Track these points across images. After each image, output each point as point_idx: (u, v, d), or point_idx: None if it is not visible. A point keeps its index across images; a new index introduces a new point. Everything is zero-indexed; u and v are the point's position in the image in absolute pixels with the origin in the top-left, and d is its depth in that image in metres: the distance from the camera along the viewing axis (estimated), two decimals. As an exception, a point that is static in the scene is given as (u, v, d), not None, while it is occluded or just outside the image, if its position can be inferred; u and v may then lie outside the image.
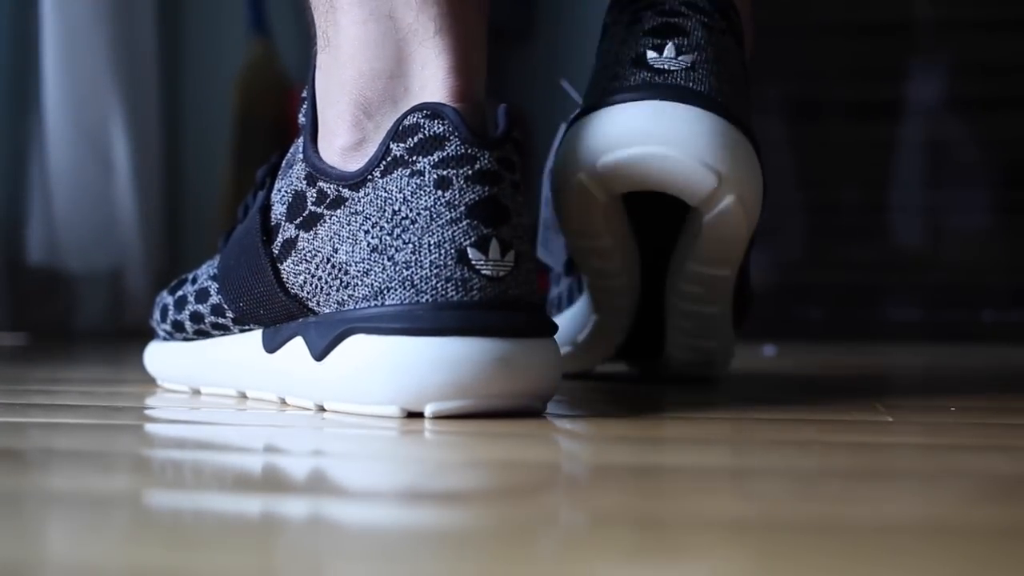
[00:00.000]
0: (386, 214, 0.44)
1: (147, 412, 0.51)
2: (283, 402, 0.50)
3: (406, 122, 0.44)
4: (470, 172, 0.44)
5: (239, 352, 0.52)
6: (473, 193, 0.44)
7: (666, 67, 0.51)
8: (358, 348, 0.45)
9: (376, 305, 0.44)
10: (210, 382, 0.55)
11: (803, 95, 1.52)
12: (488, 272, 0.44)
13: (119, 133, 1.27)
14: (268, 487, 0.33)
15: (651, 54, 0.51)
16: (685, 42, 0.51)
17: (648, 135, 0.49)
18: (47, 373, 0.72)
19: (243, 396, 0.53)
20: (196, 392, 0.56)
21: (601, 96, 0.51)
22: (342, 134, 0.47)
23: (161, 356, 0.58)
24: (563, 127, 0.56)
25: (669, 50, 0.51)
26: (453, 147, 0.44)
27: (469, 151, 0.44)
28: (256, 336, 0.51)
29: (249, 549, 0.25)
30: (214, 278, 0.53)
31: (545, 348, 0.45)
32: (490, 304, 0.44)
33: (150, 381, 0.60)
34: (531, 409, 0.46)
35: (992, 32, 1.47)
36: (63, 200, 1.21)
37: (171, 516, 0.29)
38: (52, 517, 0.29)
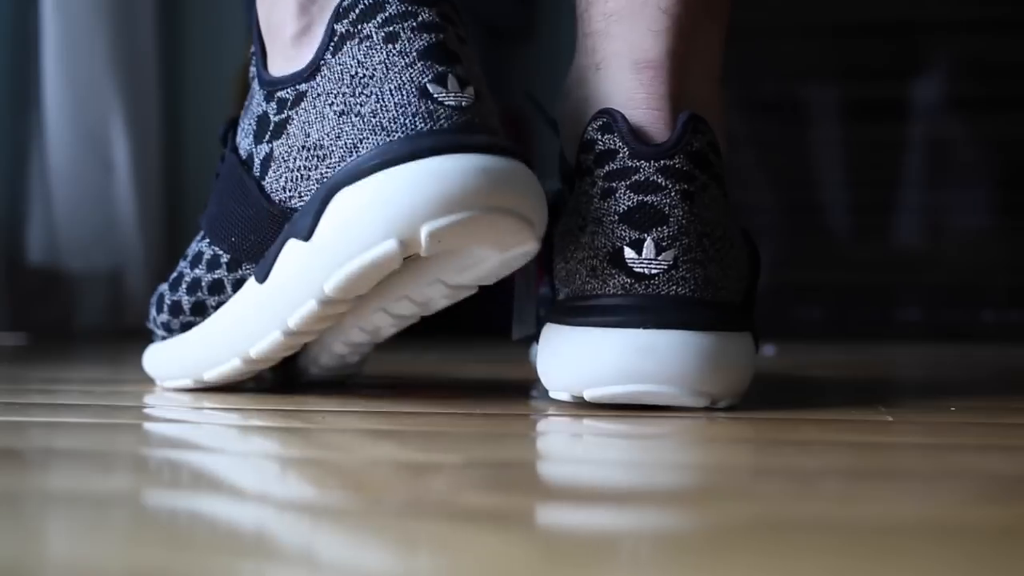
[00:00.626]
0: (344, 81, 0.47)
1: (147, 412, 0.51)
2: (288, 336, 0.49)
3: (345, 2, 0.47)
4: (415, 24, 0.47)
5: (236, 308, 0.52)
6: (420, 40, 0.46)
7: (646, 270, 0.47)
8: (342, 202, 0.45)
9: (352, 159, 0.46)
10: (212, 362, 0.54)
11: (804, 95, 1.52)
12: (451, 103, 0.46)
13: (119, 133, 1.27)
14: (268, 487, 0.33)
15: (629, 253, 0.47)
16: (665, 233, 0.47)
17: (634, 374, 0.46)
18: (47, 373, 0.72)
19: (249, 360, 0.52)
20: (200, 383, 0.55)
21: (580, 300, 0.48)
22: (290, 24, 0.50)
23: (160, 355, 0.58)
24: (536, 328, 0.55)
25: (648, 248, 0.47)
26: (394, 7, 0.47)
27: (410, 8, 0.47)
28: (250, 283, 0.51)
29: (249, 549, 0.25)
30: (202, 238, 0.54)
31: (525, 169, 0.46)
32: (460, 129, 0.45)
33: (150, 381, 0.60)
34: (523, 221, 0.46)
35: (992, 32, 1.47)
36: (63, 200, 1.21)
37: (170, 516, 0.29)
38: (52, 517, 0.29)
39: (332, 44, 0.47)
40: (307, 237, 0.46)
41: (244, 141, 0.51)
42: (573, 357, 0.48)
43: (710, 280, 0.47)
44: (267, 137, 0.49)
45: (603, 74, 0.51)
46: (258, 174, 0.50)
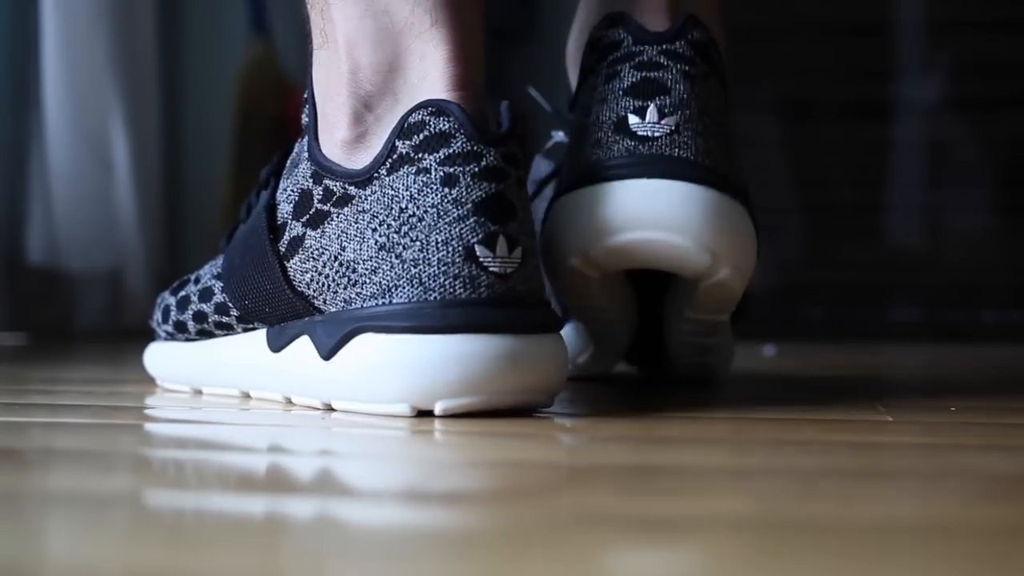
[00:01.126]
0: (393, 212, 0.44)
1: (147, 412, 0.51)
2: (288, 401, 0.50)
3: (411, 119, 0.44)
4: (476, 169, 0.44)
5: (243, 351, 0.52)
6: (480, 190, 0.44)
7: (649, 133, 0.49)
8: (367, 347, 0.45)
9: (384, 303, 0.44)
10: (213, 382, 0.55)
11: (804, 95, 1.52)
12: (496, 269, 0.44)
13: (119, 133, 1.27)
14: (270, 487, 0.33)
15: (633, 119, 0.49)
16: (667, 101, 0.49)
17: (639, 220, 0.48)
18: (47, 373, 0.72)
19: (247, 396, 0.53)
20: (198, 392, 0.56)
21: (586, 169, 0.50)
22: (342, 128, 0.47)
23: (162, 357, 0.58)
24: (546, 196, 0.56)
25: (651, 113, 0.49)
26: (459, 144, 0.44)
27: (475, 148, 0.44)
28: (260, 335, 0.51)
29: (250, 549, 0.25)
30: (218, 277, 0.53)
31: (552, 344, 0.45)
32: (498, 301, 0.44)
33: (150, 381, 0.60)
34: (538, 404, 0.46)
35: (992, 32, 1.47)
36: (63, 200, 1.21)
37: (171, 516, 0.29)
38: (52, 517, 0.29)
39: (390, 161, 0.44)
40: (326, 357, 0.46)
41: (284, 205, 0.49)
42: (586, 214, 0.49)
43: (711, 151, 0.49)
44: (305, 219, 0.47)
45: None
46: (283, 250, 0.48)
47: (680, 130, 0.49)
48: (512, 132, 0.45)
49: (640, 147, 0.49)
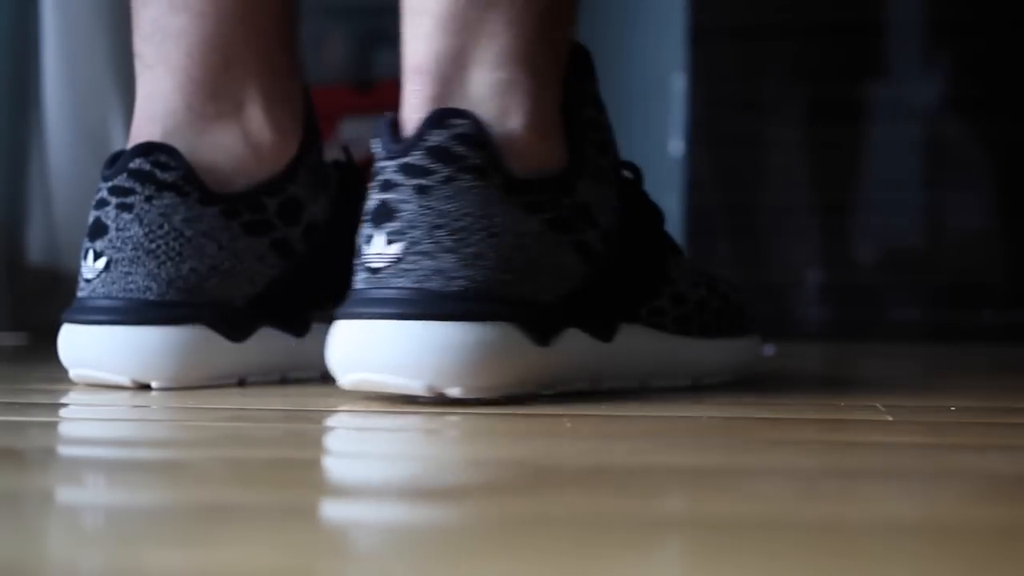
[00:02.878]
0: None
1: (147, 412, 0.51)
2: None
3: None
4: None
5: None
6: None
7: (376, 264, 0.49)
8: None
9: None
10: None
11: (804, 95, 1.52)
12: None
13: (119, 133, 1.27)
14: (271, 486, 0.33)
15: (364, 248, 0.50)
16: (396, 227, 0.49)
17: (359, 362, 0.49)
18: (47, 373, 0.72)
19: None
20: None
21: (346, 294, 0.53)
22: None
23: None
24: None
25: (377, 243, 0.50)
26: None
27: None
28: None
29: (250, 548, 0.25)
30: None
31: (107, 331, 0.57)
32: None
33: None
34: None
35: (992, 32, 1.47)
36: (63, 200, 1.21)
37: (172, 516, 0.29)
38: (52, 517, 0.29)
39: None
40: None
41: None
42: (328, 348, 0.52)
43: (441, 270, 0.48)
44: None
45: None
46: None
47: (405, 256, 0.49)
48: (116, 163, 0.58)
49: (371, 278, 0.50)
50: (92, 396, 0.56)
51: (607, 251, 0.54)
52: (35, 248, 1.19)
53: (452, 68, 0.51)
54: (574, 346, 0.53)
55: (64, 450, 0.41)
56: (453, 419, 0.46)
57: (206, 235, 0.57)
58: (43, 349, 0.95)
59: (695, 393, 0.57)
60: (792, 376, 0.77)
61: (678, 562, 0.25)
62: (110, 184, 0.57)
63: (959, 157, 1.48)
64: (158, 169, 0.57)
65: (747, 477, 0.35)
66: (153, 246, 0.57)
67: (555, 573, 0.23)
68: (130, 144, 0.59)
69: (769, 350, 1.02)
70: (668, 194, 1.63)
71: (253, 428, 0.46)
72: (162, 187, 0.57)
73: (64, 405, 0.53)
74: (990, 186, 1.48)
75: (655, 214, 0.59)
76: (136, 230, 0.56)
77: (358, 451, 0.41)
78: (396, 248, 0.49)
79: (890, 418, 0.48)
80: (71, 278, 1.21)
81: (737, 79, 1.53)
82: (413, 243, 0.48)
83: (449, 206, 0.49)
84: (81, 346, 0.57)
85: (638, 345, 0.56)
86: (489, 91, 0.51)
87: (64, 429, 0.47)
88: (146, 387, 0.57)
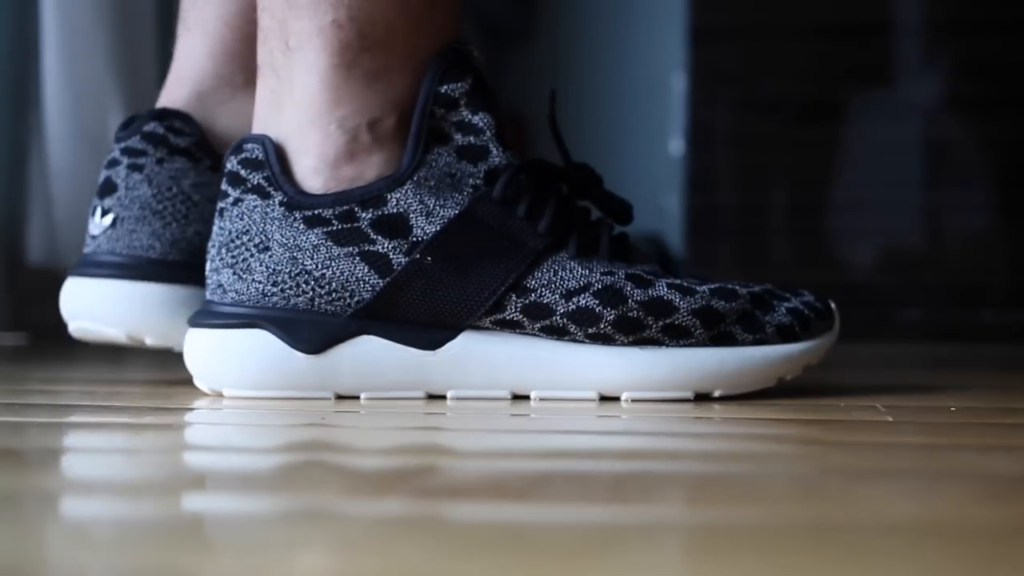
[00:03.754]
0: None
1: (147, 412, 0.51)
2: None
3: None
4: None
5: None
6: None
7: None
8: None
9: None
10: None
11: (803, 95, 1.52)
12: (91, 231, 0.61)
13: (119, 133, 1.27)
14: (270, 487, 0.33)
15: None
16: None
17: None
18: (47, 373, 0.72)
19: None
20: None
21: None
22: None
23: None
24: None
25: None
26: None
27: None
28: None
29: (250, 548, 0.25)
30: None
31: (91, 283, 0.62)
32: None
33: (150, 380, 0.60)
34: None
35: (992, 32, 1.48)
36: (63, 200, 1.21)
37: (171, 516, 0.29)
38: (52, 517, 0.29)
39: None
40: None
41: None
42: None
43: (222, 285, 0.54)
44: None
45: None
46: None
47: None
48: (131, 125, 0.61)
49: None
50: (89, 399, 0.56)
51: (417, 261, 0.52)
52: (35, 248, 1.19)
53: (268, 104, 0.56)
54: (364, 354, 0.53)
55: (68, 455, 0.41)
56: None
57: (214, 201, 0.59)
58: (43, 349, 0.95)
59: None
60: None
61: (678, 562, 0.25)
62: (123, 145, 0.60)
63: (959, 157, 1.48)
64: (172, 134, 0.60)
65: (747, 477, 0.35)
66: (160, 207, 0.59)
67: (556, 573, 0.23)
68: (157, 105, 0.62)
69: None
70: (668, 194, 1.64)
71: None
72: (174, 151, 0.60)
73: (64, 406, 0.53)
74: (990, 186, 1.48)
75: (580, 219, 0.55)
76: (144, 190, 0.59)
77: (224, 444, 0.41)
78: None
79: (890, 418, 0.48)
80: (71, 278, 1.22)
81: (737, 79, 1.53)
82: (210, 259, 0.54)
83: (237, 225, 0.53)
84: (81, 299, 0.60)
85: (485, 354, 0.54)
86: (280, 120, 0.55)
87: (64, 430, 0.47)
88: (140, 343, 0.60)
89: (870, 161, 1.49)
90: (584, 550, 0.25)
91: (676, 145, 1.58)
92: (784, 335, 0.56)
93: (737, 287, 0.56)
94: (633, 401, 0.53)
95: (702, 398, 0.54)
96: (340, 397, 0.54)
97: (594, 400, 0.54)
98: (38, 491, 0.32)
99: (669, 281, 0.55)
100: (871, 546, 0.25)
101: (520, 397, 0.54)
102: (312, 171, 0.53)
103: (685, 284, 0.55)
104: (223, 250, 0.53)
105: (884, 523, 0.28)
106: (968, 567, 0.24)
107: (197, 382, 0.54)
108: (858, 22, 1.51)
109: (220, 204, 0.54)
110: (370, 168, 0.53)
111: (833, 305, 0.60)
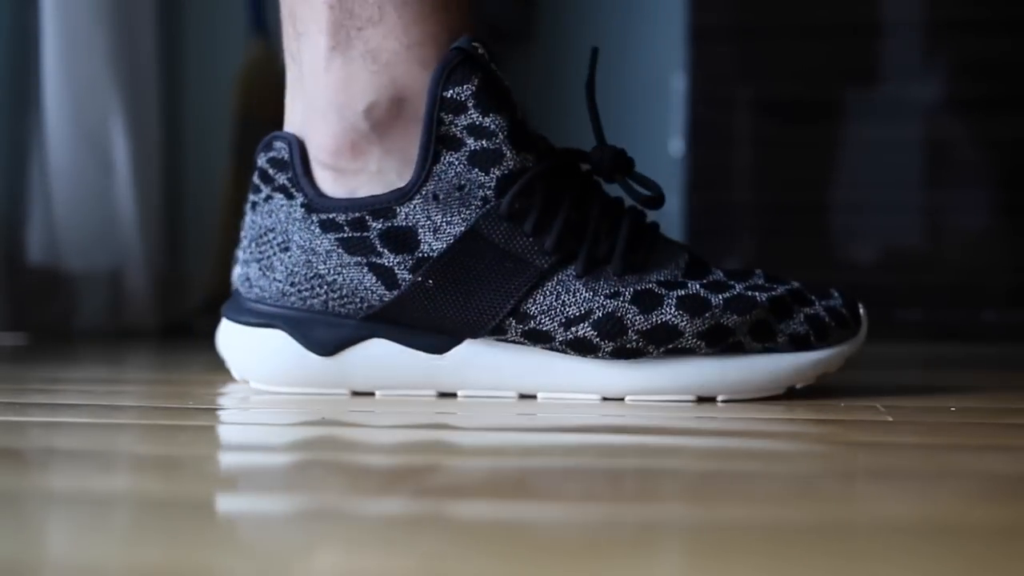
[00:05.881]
0: None
1: (147, 412, 0.51)
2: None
3: None
4: None
5: None
6: None
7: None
8: None
9: None
10: None
11: (804, 95, 1.52)
12: None
13: (119, 133, 1.27)
14: (269, 487, 0.33)
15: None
16: (242, 238, 0.60)
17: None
18: (47, 373, 0.72)
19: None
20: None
21: None
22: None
23: None
24: None
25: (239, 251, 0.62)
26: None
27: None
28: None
29: (249, 548, 0.25)
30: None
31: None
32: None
33: (150, 380, 0.60)
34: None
35: (992, 32, 1.47)
36: (63, 200, 1.21)
37: (171, 516, 0.29)
38: (52, 517, 0.29)
39: None
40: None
41: None
42: None
43: (249, 279, 0.56)
44: None
45: None
46: None
47: (240, 263, 0.58)
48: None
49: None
50: (88, 399, 0.56)
51: (420, 283, 0.52)
52: (35, 248, 1.19)
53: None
54: (375, 357, 0.55)
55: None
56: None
57: None
58: (43, 349, 0.95)
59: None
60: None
61: (678, 562, 0.25)
62: None
63: (959, 157, 1.48)
64: None
65: (747, 477, 0.35)
66: None
67: (555, 574, 0.23)
68: None
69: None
70: (668, 194, 1.64)
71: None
72: None
73: (64, 405, 0.54)
74: (990, 186, 1.48)
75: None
76: None
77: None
78: (238, 254, 0.58)
79: (890, 418, 0.48)
80: (71, 278, 1.22)
81: (737, 79, 1.53)
82: (243, 251, 0.57)
83: (267, 221, 0.55)
84: None
85: (490, 360, 0.54)
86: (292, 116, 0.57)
87: (64, 430, 0.47)
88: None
89: (870, 161, 1.49)
90: (586, 548, 0.25)
91: (676, 145, 1.58)
92: (797, 343, 0.54)
93: (758, 295, 0.54)
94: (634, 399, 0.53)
95: (705, 399, 0.54)
96: (356, 393, 0.56)
97: (597, 399, 0.54)
98: (38, 491, 0.32)
99: (684, 293, 0.53)
100: (871, 546, 0.25)
101: (527, 396, 0.55)
102: (321, 165, 0.54)
103: (702, 295, 0.53)
104: (253, 244, 0.56)
105: (884, 523, 0.28)
106: (968, 567, 0.24)
107: (230, 369, 0.59)
108: (858, 22, 1.51)
109: (253, 198, 0.56)
110: (372, 161, 0.53)
111: (863, 310, 0.59)
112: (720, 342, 0.53)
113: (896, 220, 1.50)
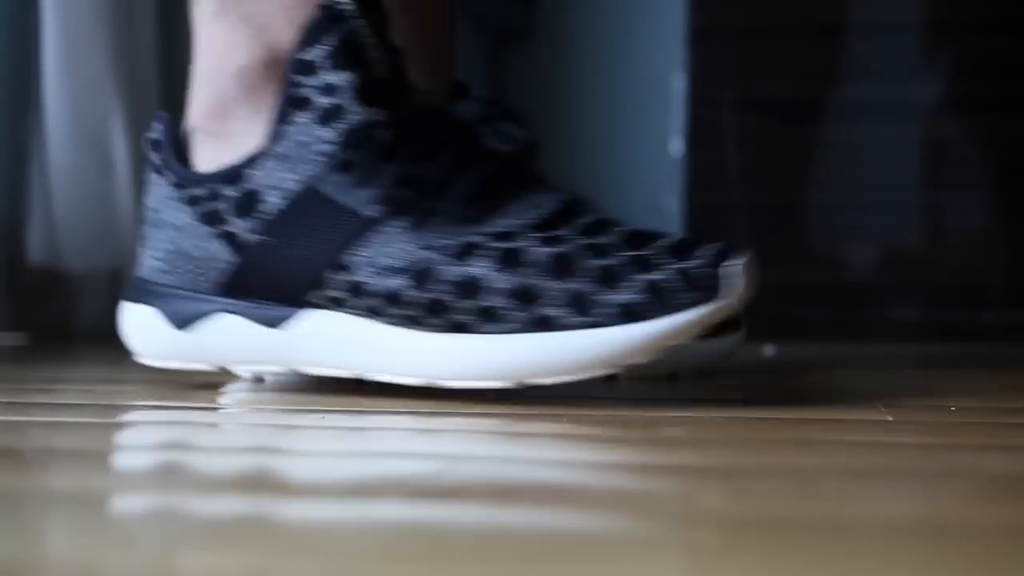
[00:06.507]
0: None
1: (147, 411, 0.51)
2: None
3: None
4: None
5: None
6: None
7: None
8: None
9: None
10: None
11: (803, 95, 1.52)
12: None
13: (119, 133, 1.27)
14: (268, 487, 0.33)
15: None
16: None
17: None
18: (47, 373, 0.72)
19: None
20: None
21: None
22: None
23: None
24: None
25: None
26: None
27: None
28: None
29: (249, 549, 0.25)
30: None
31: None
32: None
33: (150, 380, 0.60)
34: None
35: (993, 32, 1.48)
36: (63, 200, 1.21)
37: (171, 516, 0.29)
38: (52, 517, 0.29)
39: None
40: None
41: None
42: None
43: (139, 258, 0.58)
44: None
45: None
46: None
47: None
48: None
49: None
50: (88, 399, 0.56)
51: (264, 239, 0.52)
52: (35, 248, 1.19)
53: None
54: (223, 330, 0.56)
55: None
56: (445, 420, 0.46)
57: None
58: (43, 349, 0.95)
59: (695, 392, 0.57)
60: (793, 376, 0.77)
61: (678, 562, 0.25)
62: None
63: (959, 157, 1.48)
64: None
65: (747, 477, 0.35)
66: None
67: (556, 574, 0.23)
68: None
69: (769, 350, 1.02)
70: (668, 194, 1.63)
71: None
72: None
73: (64, 405, 0.53)
74: (990, 186, 1.48)
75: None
76: None
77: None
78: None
79: (890, 418, 0.48)
80: (71, 278, 1.22)
81: (737, 79, 1.53)
82: (143, 236, 0.58)
83: (149, 201, 0.57)
84: None
85: (322, 333, 0.53)
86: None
87: (64, 430, 0.47)
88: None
89: (870, 161, 1.49)
90: (587, 551, 0.25)
91: (676, 145, 1.58)
92: (629, 315, 0.47)
93: (590, 260, 0.48)
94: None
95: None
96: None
97: (422, 385, 0.51)
98: (38, 491, 0.32)
99: (512, 246, 0.49)
100: (871, 546, 0.25)
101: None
102: (198, 131, 0.55)
103: (529, 249, 0.49)
104: (145, 225, 0.58)
105: (884, 523, 0.28)
106: (968, 567, 0.24)
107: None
108: (859, 22, 1.51)
109: (149, 179, 0.58)
110: (242, 124, 0.53)
111: (734, 265, 0.48)
112: (529, 307, 0.48)
113: (896, 220, 1.50)
